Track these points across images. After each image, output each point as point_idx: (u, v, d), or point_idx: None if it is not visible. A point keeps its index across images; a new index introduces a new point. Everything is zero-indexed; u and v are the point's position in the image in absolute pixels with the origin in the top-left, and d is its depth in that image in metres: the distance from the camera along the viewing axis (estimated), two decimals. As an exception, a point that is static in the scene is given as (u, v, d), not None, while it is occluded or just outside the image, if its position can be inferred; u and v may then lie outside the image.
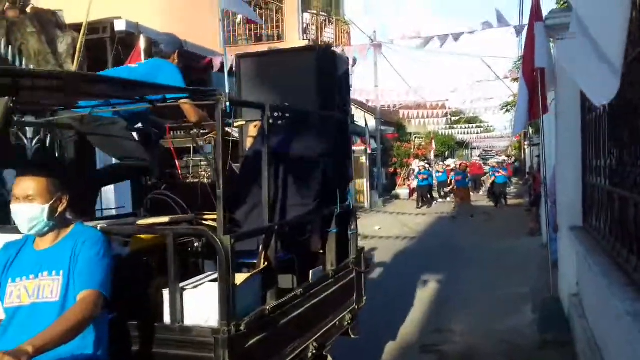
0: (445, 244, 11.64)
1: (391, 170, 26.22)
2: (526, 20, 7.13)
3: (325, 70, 4.08)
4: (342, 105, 4.27)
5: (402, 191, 24.07)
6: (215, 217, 2.66)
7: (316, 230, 3.68)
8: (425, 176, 19.92)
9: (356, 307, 4.05)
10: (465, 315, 6.32)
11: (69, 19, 6.94)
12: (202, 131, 3.89)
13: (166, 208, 3.25)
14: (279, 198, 3.26)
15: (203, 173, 3.92)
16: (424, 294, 7.33)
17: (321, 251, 3.72)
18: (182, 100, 3.09)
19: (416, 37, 8.64)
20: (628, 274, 3.25)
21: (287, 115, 3.64)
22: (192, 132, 3.79)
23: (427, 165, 21.89)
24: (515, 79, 16.74)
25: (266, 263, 2.91)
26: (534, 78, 5.73)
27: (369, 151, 19.24)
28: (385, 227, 14.23)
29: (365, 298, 4.28)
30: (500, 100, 20.15)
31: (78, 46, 6.13)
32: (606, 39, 2.63)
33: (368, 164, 18.69)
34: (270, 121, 3.09)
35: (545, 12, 5.95)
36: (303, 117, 3.75)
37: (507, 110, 20.89)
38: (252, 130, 3.81)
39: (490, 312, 6.38)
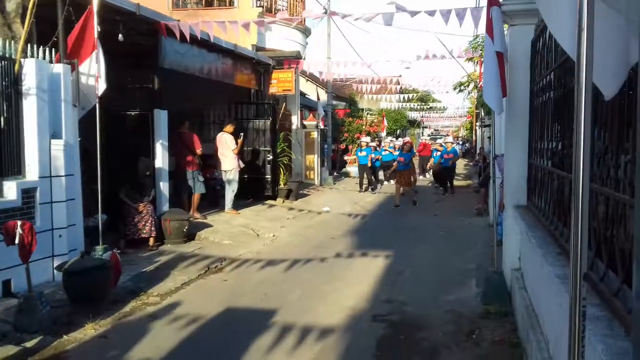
0: (396, 222, 12.32)
1: (342, 146, 26.71)
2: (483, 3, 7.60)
3: None
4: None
5: (352, 169, 24.65)
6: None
7: None
8: (364, 153, 18.47)
9: None
10: (414, 287, 6.93)
11: (16, -25, 6.92)
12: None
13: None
14: None
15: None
16: (376, 268, 7.89)
17: None
18: None
19: (373, 13, 8.98)
20: (561, 245, 3.83)
21: None
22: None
23: (369, 142, 20.06)
24: (470, 59, 17.44)
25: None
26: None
27: (321, 126, 19.59)
28: (336, 204, 14.75)
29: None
30: (453, 80, 20.82)
31: (30, 5, 6.19)
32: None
33: (319, 139, 19.02)
34: None
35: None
36: None
37: (460, 90, 21.65)
38: None
39: (438, 285, 7.01)
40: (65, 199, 6.82)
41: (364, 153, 18.54)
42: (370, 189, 18.37)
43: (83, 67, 7.29)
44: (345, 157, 25.98)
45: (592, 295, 2.87)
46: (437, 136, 41.41)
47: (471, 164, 31.68)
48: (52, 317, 5.33)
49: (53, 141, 6.75)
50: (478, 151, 24.28)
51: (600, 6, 2.01)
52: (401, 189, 15.09)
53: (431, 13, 8.07)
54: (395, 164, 16.94)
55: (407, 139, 26.07)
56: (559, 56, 4.27)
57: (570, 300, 1.87)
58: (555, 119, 4.50)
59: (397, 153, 19.77)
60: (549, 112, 4.78)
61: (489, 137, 13.72)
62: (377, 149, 20.18)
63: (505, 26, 6.63)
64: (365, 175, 18.48)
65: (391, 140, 24.28)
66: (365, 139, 20.26)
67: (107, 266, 6.12)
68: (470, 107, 33.33)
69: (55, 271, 6.38)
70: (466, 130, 47.62)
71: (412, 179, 15.47)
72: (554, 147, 4.50)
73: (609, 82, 2.28)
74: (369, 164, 18.63)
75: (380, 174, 20.65)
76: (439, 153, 19.62)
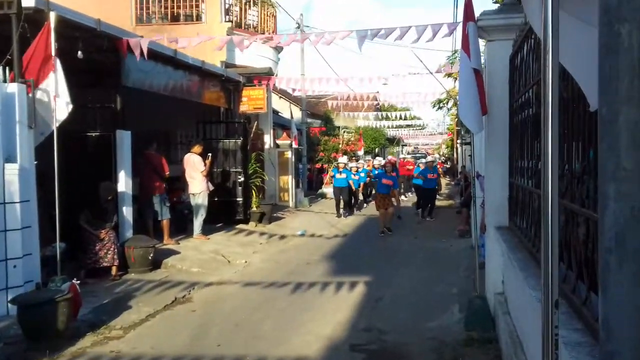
0: (375, 245, 12.36)
1: (317, 166, 26.72)
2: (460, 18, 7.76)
3: None
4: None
5: (328, 189, 24.63)
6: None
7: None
8: (344, 175, 17.57)
9: None
10: (394, 314, 6.93)
11: (-33, -10, 6.86)
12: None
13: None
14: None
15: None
16: (354, 295, 7.89)
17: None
18: None
19: (347, 31, 9.12)
20: (544, 267, 3.88)
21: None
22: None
23: (347, 162, 19.28)
24: (449, 74, 17.72)
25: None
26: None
27: (295, 145, 19.58)
28: (312, 227, 14.73)
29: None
30: (432, 96, 21.01)
31: (-18, 22, 6.14)
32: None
33: (293, 159, 19.02)
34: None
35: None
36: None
37: (440, 107, 21.95)
38: None
39: (419, 311, 7.03)
40: (21, 226, 6.69)
41: (343, 175, 17.60)
42: (342, 214, 17.41)
43: (41, 87, 7.21)
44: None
45: (574, 319, 2.92)
46: (418, 154, 41.73)
47: (452, 183, 31.98)
48: (6, 355, 5.21)
49: (7, 165, 6.64)
50: (460, 170, 24.54)
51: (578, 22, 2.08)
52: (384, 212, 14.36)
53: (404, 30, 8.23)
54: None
55: (391, 157, 25.89)
56: (537, 72, 4.37)
57: (542, 329, 1.90)
58: (535, 137, 4.59)
59: (363, 175, 19.51)
60: (529, 130, 4.87)
61: (470, 155, 13.90)
62: (359, 169, 19.19)
63: (482, 42, 6.77)
64: (341, 198, 17.58)
65: (367, 160, 24.24)
66: (342, 160, 19.84)
67: (65, 298, 5.99)
68: (451, 124, 33.79)
69: (9, 305, 6.23)
70: (447, 147, 48.18)
71: (393, 203, 15.00)
72: (534, 166, 4.58)
73: (595, 93, 2.34)
74: (351, 187, 17.96)
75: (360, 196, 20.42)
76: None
